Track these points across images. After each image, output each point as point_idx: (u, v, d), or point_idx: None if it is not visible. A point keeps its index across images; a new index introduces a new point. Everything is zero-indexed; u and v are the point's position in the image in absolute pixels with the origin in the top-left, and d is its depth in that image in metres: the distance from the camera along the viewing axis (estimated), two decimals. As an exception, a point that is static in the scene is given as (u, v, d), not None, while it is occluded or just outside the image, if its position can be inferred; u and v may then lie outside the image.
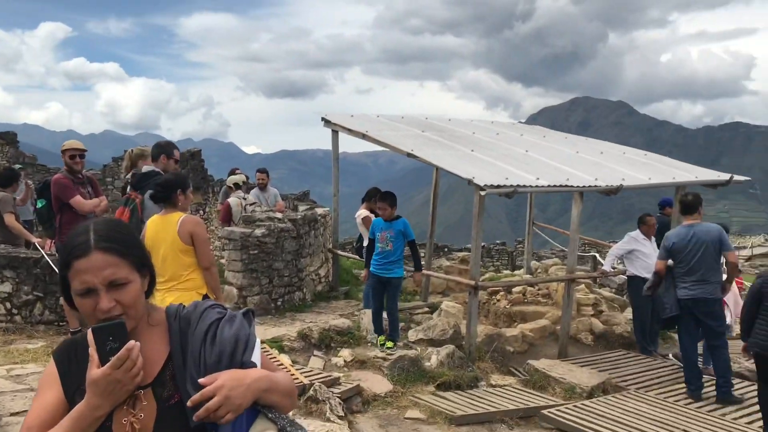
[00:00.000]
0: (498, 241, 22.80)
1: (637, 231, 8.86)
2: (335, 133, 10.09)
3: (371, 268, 7.54)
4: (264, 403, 1.60)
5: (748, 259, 35.36)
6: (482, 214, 7.85)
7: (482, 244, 23.07)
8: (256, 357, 1.64)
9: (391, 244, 7.34)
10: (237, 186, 9.94)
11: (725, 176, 9.08)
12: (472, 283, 7.73)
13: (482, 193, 7.38)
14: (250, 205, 9.48)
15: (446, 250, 16.97)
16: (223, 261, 9.25)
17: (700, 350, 7.38)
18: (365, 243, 9.05)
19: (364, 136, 9.26)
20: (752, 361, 6.26)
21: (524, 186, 7.61)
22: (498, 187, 7.38)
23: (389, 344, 7.51)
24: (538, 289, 10.77)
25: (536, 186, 7.80)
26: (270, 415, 1.60)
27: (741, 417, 6.40)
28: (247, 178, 12.07)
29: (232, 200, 9.55)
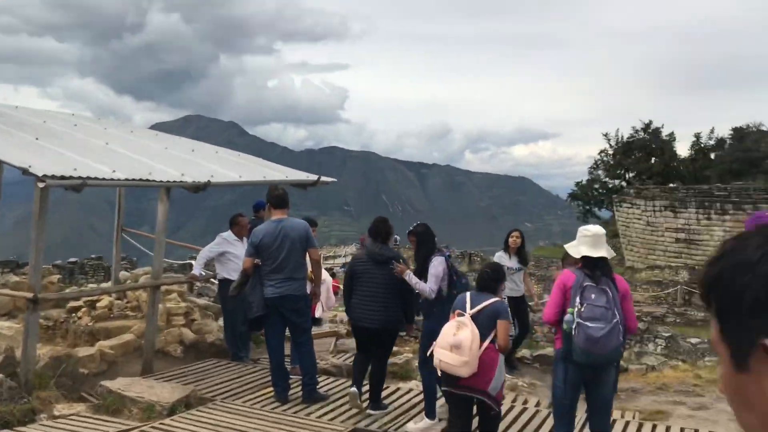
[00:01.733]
0: (93, 255, 20.70)
1: (229, 232, 8.45)
2: None
3: None
4: None
5: (343, 265, 39.05)
6: (45, 210, 6.54)
7: (75, 259, 20.69)
8: None
9: None
10: None
11: (313, 177, 9.25)
12: (30, 295, 6.34)
13: (41, 185, 6.09)
14: None
15: (18, 264, 14.58)
16: None
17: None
18: None
19: None
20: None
21: (96, 179, 6.51)
22: (63, 178, 6.17)
23: None
24: (127, 302, 9.67)
25: (111, 179, 6.77)
26: None
27: (325, 414, 6.29)
28: None
29: None
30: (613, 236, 32.39)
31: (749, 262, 0.86)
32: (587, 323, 4.31)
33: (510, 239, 8.44)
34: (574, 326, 4.33)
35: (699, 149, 52.98)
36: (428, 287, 5.79)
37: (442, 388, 5.07)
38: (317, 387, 6.74)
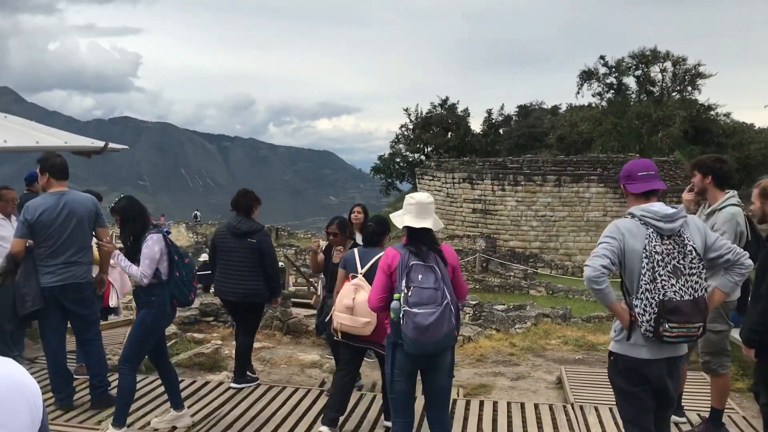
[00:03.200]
0: None
1: (-8, 209, 7.02)
2: None
3: None
4: None
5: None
6: None
7: None
8: None
9: None
10: None
11: (99, 143, 8.00)
12: None
13: None
14: None
15: None
16: None
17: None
18: None
19: None
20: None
21: None
22: None
23: None
24: None
25: None
26: None
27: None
28: None
29: None
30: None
31: None
32: (414, 310, 3.81)
33: (352, 216, 7.67)
34: (401, 314, 3.85)
35: (490, 125, 56.68)
36: (139, 271, 4.91)
37: (340, 339, 5.10)
38: (109, 388, 5.76)
